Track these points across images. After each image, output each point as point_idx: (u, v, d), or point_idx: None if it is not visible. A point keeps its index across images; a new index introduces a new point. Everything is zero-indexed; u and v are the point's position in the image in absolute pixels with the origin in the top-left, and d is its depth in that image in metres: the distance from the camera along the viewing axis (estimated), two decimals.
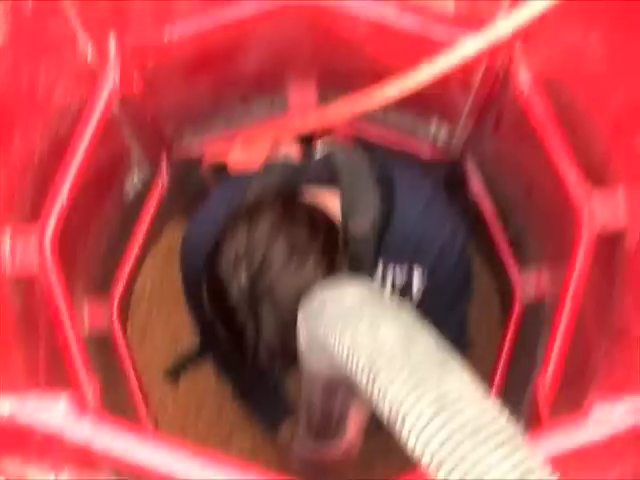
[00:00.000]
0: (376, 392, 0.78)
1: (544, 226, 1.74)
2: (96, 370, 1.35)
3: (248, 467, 0.90)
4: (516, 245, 1.87)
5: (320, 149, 1.72)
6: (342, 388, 1.17)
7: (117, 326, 1.74)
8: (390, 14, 1.43)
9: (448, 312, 1.61)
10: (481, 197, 1.88)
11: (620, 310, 1.28)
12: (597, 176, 1.32)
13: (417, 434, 0.73)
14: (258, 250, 1.24)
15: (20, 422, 0.88)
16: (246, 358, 1.31)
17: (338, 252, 1.32)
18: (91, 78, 1.38)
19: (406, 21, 1.43)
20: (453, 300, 1.63)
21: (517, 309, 1.78)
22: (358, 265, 1.44)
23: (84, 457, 1.08)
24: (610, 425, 0.91)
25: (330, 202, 1.47)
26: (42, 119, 1.32)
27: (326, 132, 1.80)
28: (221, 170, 1.83)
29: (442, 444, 0.70)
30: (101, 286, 1.83)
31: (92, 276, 1.80)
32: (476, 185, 1.88)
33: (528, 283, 1.79)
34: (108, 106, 1.35)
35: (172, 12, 1.40)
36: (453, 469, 0.69)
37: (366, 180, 1.52)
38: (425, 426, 0.72)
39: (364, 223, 1.48)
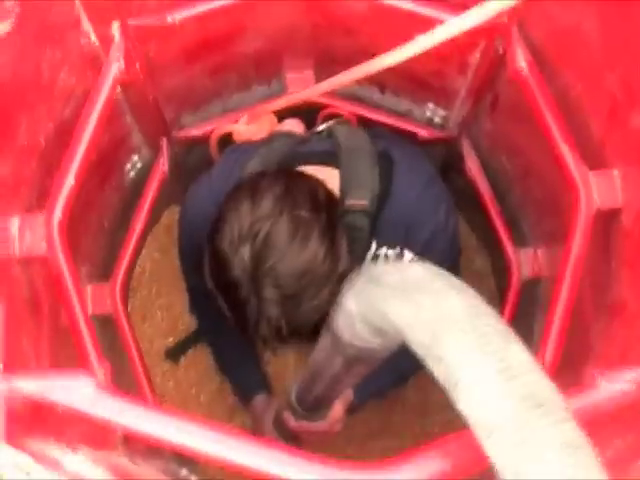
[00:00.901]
0: (437, 355, 0.81)
1: (540, 205, 1.76)
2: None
3: (259, 440, 0.93)
4: (512, 224, 1.90)
5: (323, 126, 1.74)
6: (364, 362, 1.19)
7: (120, 308, 1.75)
8: None
9: None
10: (477, 176, 1.90)
11: (617, 287, 1.30)
12: (594, 157, 1.34)
13: (475, 394, 0.76)
14: (262, 227, 1.25)
15: (46, 400, 0.90)
16: (247, 332, 1.33)
17: (339, 227, 1.35)
18: (95, 63, 1.40)
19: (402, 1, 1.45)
20: None
21: (514, 285, 1.80)
22: (353, 242, 1.47)
23: (100, 436, 1.12)
24: (618, 394, 0.95)
25: (329, 179, 1.49)
26: (47, 103, 1.34)
27: (331, 111, 1.82)
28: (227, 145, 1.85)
29: (497, 406, 0.73)
30: (103, 270, 1.85)
31: (94, 261, 1.82)
32: (472, 165, 1.90)
33: (524, 260, 1.81)
34: (112, 90, 1.37)
35: None
36: (502, 429, 0.72)
37: (366, 158, 1.54)
38: (483, 386, 0.75)
39: (361, 199, 1.50)
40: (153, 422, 0.89)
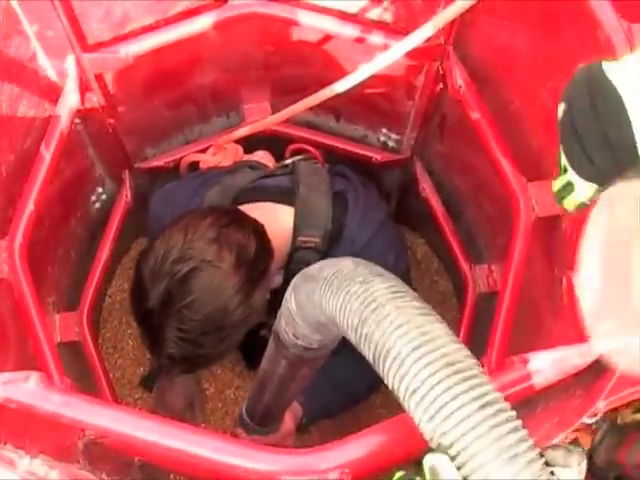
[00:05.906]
0: (365, 334, 0.87)
1: (493, 222, 1.81)
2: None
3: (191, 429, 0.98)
4: (469, 241, 1.95)
5: (289, 160, 1.81)
6: (307, 363, 1.24)
7: (88, 335, 1.79)
8: (334, 22, 1.51)
9: None
10: (432, 197, 1.96)
11: (559, 290, 1.35)
12: (534, 169, 1.40)
13: (398, 366, 0.82)
14: (183, 268, 1.30)
15: None
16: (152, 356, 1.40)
17: (263, 283, 1.40)
18: (53, 95, 1.46)
19: (349, 28, 1.52)
20: None
21: (470, 300, 1.85)
22: None
23: (60, 447, 1.15)
24: (531, 373, 1.01)
25: (283, 215, 1.56)
26: (8, 135, 1.39)
27: (298, 146, 1.88)
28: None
29: (416, 374, 0.79)
30: (71, 301, 1.88)
31: (62, 291, 1.85)
32: (426, 186, 1.96)
33: (479, 276, 1.87)
34: (69, 121, 1.42)
35: (128, 30, 1.48)
36: (424, 396, 0.78)
37: (322, 199, 1.60)
38: (405, 358, 0.81)
39: (313, 237, 1.56)
40: (99, 415, 0.93)
